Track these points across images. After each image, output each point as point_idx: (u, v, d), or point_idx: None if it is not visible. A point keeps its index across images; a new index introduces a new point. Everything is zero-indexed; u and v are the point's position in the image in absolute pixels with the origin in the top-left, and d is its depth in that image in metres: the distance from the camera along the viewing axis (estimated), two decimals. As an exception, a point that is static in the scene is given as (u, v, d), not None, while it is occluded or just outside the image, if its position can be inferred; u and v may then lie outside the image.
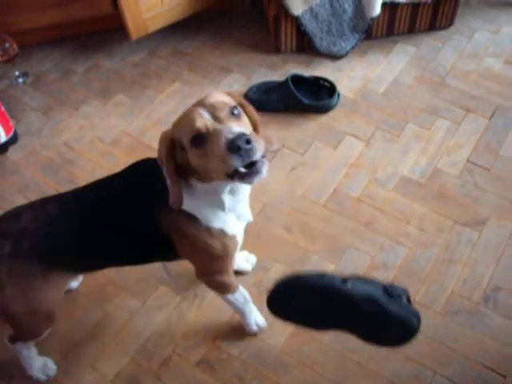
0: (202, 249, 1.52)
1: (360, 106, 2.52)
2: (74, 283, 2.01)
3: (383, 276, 1.95)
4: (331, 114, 2.49)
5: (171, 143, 1.34)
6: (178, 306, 1.96)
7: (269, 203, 2.18)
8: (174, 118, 2.36)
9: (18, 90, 2.77)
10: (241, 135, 1.20)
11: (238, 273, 1.98)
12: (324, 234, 2.09)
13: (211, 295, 1.94)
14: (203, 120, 1.26)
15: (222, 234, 1.51)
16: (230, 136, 1.21)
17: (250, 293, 1.83)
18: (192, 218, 1.46)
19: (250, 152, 1.21)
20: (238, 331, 1.88)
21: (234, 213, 1.50)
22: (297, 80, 2.49)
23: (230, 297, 1.75)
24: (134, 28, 2.66)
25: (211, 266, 1.63)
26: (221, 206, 1.45)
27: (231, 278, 1.70)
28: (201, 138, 1.26)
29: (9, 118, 2.47)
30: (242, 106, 1.38)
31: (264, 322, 1.89)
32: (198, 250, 1.53)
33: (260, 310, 1.85)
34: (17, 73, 2.81)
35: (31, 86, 2.80)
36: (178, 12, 2.74)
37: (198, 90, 2.63)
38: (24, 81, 2.82)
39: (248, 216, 1.58)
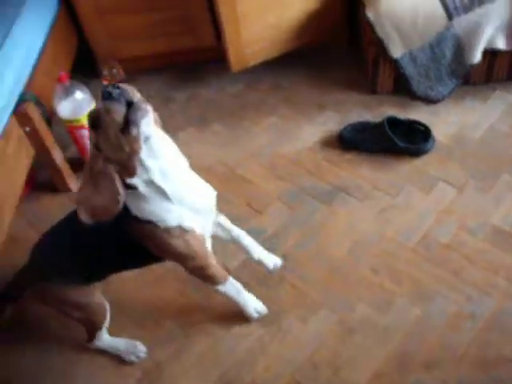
0: (169, 250, 1.63)
1: (454, 152, 2.50)
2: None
3: (470, 327, 1.92)
4: (425, 158, 2.48)
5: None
6: (262, 337, 1.99)
7: (358, 243, 2.19)
8: (268, 150, 2.49)
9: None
10: (112, 84, 1.34)
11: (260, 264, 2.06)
12: (411, 278, 2.08)
13: (295, 329, 1.97)
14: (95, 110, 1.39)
15: (181, 230, 1.59)
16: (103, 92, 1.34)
17: (333, 331, 1.88)
18: (150, 224, 1.55)
19: (123, 92, 1.35)
20: (319, 367, 1.89)
21: (182, 204, 1.56)
22: (392, 122, 2.51)
23: (221, 287, 1.87)
24: (235, 61, 2.74)
25: (187, 263, 1.72)
26: (165, 195, 1.51)
27: (214, 270, 1.80)
28: (95, 121, 1.37)
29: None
30: None
31: (264, 308, 2.00)
32: (166, 252, 1.65)
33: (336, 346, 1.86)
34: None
35: (133, 110, 2.91)
36: (278, 48, 2.81)
37: (293, 126, 2.68)
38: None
39: (202, 206, 1.65)
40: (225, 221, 1.99)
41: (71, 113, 2.45)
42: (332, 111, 2.73)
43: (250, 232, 2.20)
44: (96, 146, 1.42)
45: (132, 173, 1.45)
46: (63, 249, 1.76)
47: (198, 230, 1.66)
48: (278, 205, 2.37)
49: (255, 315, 1.99)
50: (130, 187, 1.48)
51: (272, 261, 2.10)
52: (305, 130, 2.65)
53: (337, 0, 2.76)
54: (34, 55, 2.53)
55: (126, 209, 1.52)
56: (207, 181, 2.42)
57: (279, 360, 1.93)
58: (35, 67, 2.51)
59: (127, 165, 1.43)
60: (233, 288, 1.92)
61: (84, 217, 1.46)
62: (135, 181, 1.47)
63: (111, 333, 2.01)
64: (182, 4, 2.79)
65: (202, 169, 2.50)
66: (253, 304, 1.99)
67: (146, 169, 1.46)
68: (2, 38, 2.38)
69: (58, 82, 2.34)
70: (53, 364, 2.04)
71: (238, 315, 2.03)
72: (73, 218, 1.71)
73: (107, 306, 1.92)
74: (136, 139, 1.39)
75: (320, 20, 2.80)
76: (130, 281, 2.10)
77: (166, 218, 1.57)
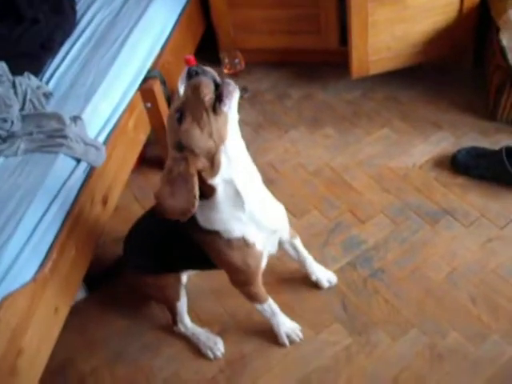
0: (226, 262, 1.66)
1: None
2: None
3: None
4: (539, 193, 2.40)
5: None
6: (349, 347, 1.98)
7: (458, 270, 2.14)
8: (377, 161, 2.48)
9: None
10: (196, 66, 1.38)
11: (314, 284, 2.12)
12: (510, 316, 2.01)
13: (384, 345, 1.96)
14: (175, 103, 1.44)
15: (243, 243, 1.61)
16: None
17: (421, 354, 1.88)
18: (214, 234, 1.59)
19: (206, 72, 1.37)
20: (403, 389, 1.87)
21: (251, 217, 1.58)
22: (509, 152, 2.43)
23: (258, 306, 1.89)
24: (357, 68, 2.73)
25: (237, 277, 1.76)
26: (239, 201, 1.52)
27: (258, 290, 1.83)
28: (180, 114, 1.40)
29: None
30: None
31: (298, 334, 2.00)
32: (223, 262, 1.69)
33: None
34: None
35: (247, 101, 2.96)
36: (401, 60, 2.78)
37: (406, 140, 2.64)
38: (242, 95, 2.95)
39: (269, 225, 1.67)
40: (299, 243, 2.03)
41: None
42: (447, 132, 2.67)
43: (349, 240, 2.21)
44: (178, 146, 1.43)
45: (217, 167, 1.45)
46: (143, 239, 1.91)
47: (259, 247, 1.68)
48: (381, 217, 2.34)
49: (285, 340, 1.99)
50: (203, 196, 1.48)
51: (326, 278, 2.13)
52: (417, 146, 2.61)
53: (467, 19, 2.70)
54: (165, 35, 2.62)
55: (193, 218, 1.54)
56: (313, 183, 2.46)
57: (363, 374, 1.92)
58: (164, 47, 2.58)
59: (213, 157, 1.44)
60: (269, 310, 1.93)
61: (159, 213, 1.49)
62: (217, 180, 1.48)
63: (204, 321, 2.08)
64: (313, 4, 2.80)
65: (309, 170, 2.56)
66: (284, 328, 1.99)
67: (230, 161, 1.46)
68: (139, 15, 2.46)
69: (186, 65, 2.39)
70: (141, 336, 2.11)
71: (328, 321, 2.03)
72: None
73: (181, 288, 1.98)
74: (225, 121, 1.41)
75: (447, 38, 2.74)
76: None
77: (232, 228, 1.59)
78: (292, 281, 2.17)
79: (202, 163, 1.43)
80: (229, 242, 1.61)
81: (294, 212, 2.40)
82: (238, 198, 1.52)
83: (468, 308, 2.04)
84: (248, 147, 2.61)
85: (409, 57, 2.78)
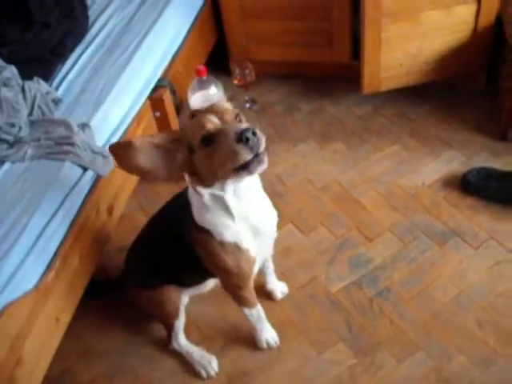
0: (218, 264, 1.63)
1: None
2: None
3: None
4: (549, 217, 2.37)
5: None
6: (353, 367, 1.95)
7: (465, 292, 2.11)
8: (386, 179, 2.45)
9: (243, 115, 2.90)
10: (248, 128, 1.30)
11: (267, 295, 2.13)
12: (518, 342, 1.98)
13: (389, 366, 1.92)
14: (212, 122, 1.36)
15: (236, 248, 1.59)
16: (240, 128, 1.30)
17: (427, 378, 1.86)
18: (208, 233, 1.57)
19: (257, 143, 1.31)
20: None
21: (245, 223, 1.57)
22: (520, 175, 2.41)
23: (246, 311, 1.87)
24: (368, 83, 2.71)
25: (229, 280, 1.73)
26: (228, 212, 1.52)
27: (249, 294, 1.81)
28: (210, 137, 1.35)
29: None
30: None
31: (277, 341, 2.00)
32: (215, 264, 1.65)
33: None
34: (246, 98, 2.96)
35: (256, 113, 2.95)
36: (413, 77, 2.76)
37: (416, 158, 2.62)
38: (251, 107, 2.97)
39: (264, 229, 1.64)
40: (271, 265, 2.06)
41: (201, 106, 2.48)
42: (458, 151, 2.64)
43: (356, 258, 2.18)
44: (190, 147, 1.41)
45: (207, 187, 1.47)
46: (143, 253, 1.91)
47: (253, 253, 1.66)
48: (388, 236, 2.31)
49: (264, 345, 2.00)
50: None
51: (280, 290, 2.13)
52: (427, 165, 2.59)
53: (481, 39, 2.68)
54: (177, 44, 2.61)
55: (190, 212, 1.56)
56: (321, 198, 2.43)
57: (367, 395, 1.89)
58: (175, 56, 2.57)
59: (207, 179, 1.45)
60: (256, 315, 1.91)
61: (120, 160, 1.44)
62: (203, 191, 1.48)
63: (206, 336, 2.07)
64: (326, 18, 2.78)
65: (317, 185, 2.53)
66: (266, 334, 1.99)
67: (222, 189, 1.47)
68: (152, 23, 2.45)
69: (196, 75, 2.37)
70: (141, 348, 2.08)
71: (332, 340, 2.00)
72: (151, 226, 1.89)
73: (181, 306, 1.95)
74: (239, 177, 1.41)
75: (460, 56, 2.72)
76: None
77: (224, 233, 1.57)
78: (296, 297, 2.14)
79: (195, 170, 1.44)
80: (221, 244, 1.59)
81: (301, 228, 2.38)
82: (226, 210, 1.52)
83: (475, 332, 2.01)
84: (256, 159, 2.64)
85: (421, 74, 2.76)
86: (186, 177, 1.50)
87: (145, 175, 1.45)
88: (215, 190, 1.48)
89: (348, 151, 2.70)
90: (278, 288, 2.14)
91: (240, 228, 1.58)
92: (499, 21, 2.62)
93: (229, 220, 1.55)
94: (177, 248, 1.71)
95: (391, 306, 2.09)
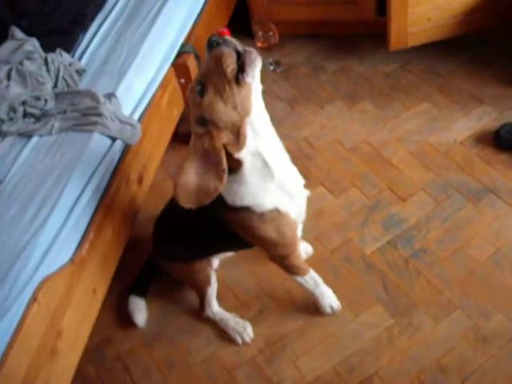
0: (260, 237, 1.61)
1: None
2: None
3: None
4: None
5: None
6: (390, 329, 1.94)
7: (502, 249, 2.08)
8: (417, 137, 2.40)
9: (268, 77, 2.87)
10: (214, 35, 1.35)
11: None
12: (558, 297, 1.95)
13: (427, 327, 1.91)
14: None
15: (276, 214, 1.56)
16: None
17: (465, 337, 1.85)
18: (246, 210, 1.54)
19: (227, 42, 1.33)
20: (446, 372, 1.82)
21: (281, 185, 1.54)
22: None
23: (300, 279, 1.85)
24: (395, 39, 2.64)
25: (275, 250, 1.71)
26: (268, 171, 1.48)
27: (298, 262, 1.79)
28: (202, 84, 1.36)
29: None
30: None
31: (339, 304, 1.97)
32: (258, 238, 1.63)
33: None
34: (270, 60, 2.91)
35: (281, 75, 2.90)
36: (442, 32, 2.68)
37: (446, 115, 2.56)
38: (275, 69, 2.92)
39: (297, 191, 1.63)
40: None
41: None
42: (489, 106, 2.58)
43: (390, 218, 2.16)
44: (201, 121, 1.39)
45: (243, 140, 1.42)
46: (171, 226, 1.89)
47: (293, 215, 1.63)
48: (422, 195, 2.28)
49: (328, 310, 1.96)
50: (230, 171, 1.44)
51: (304, 250, 2.10)
52: (458, 121, 2.53)
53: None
54: (198, 8, 2.56)
55: (219, 199, 1.50)
56: (351, 159, 2.40)
57: (405, 356, 1.88)
58: (197, 20, 2.52)
59: (238, 129, 1.40)
60: (311, 281, 1.89)
61: (183, 200, 1.44)
62: (243, 153, 1.44)
63: (242, 302, 2.07)
64: (348, -27, 2.71)
65: (346, 146, 2.49)
66: (328, 299, 1.96)
67: (255, 133, 1.42)
68: (172, -12, 2.40)
69: (220, 38, 2.32)
70: (178, 317, 2.09)
71: (368, 302, 1.99)
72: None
73: (212, 273, 1.95)
74: (248, 91, 1.36)
75: (489, 8, 2.63)
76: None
77: (263, 201, 1.54)
78: (331, 260, 2.13)
79: (227, 137, 1.39)
80: (261, 215, 1.56)
81: (331, 189, 2.35)
82: (266, 168, 1.49)
83: (513, 289, 1.98)
84: (283, 122, 2.61)
85: (449, 28, 2.68)
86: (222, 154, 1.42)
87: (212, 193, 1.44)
88: (251, 145, 1.44)
89: (376, 110, 2.65)
90: (303, 249, 2.11)
91: (277, 192, 1.56)
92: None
93: (269, 183, 1.52)
94: (209, 226, 1.69)
95: (427, 266, 2.07)
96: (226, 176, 1.40)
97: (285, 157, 1.59)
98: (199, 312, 2.03)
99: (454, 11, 2.61)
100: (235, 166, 1.46)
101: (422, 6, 2.54)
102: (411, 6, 2.52)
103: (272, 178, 1.51)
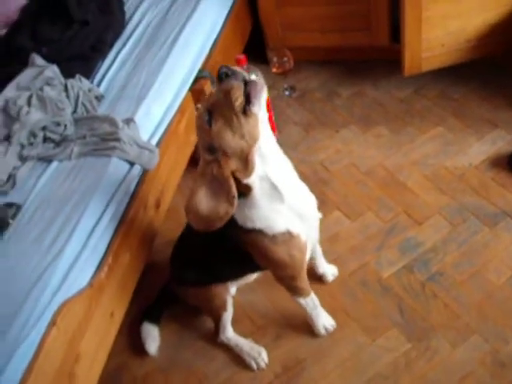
0: (271, 258, 1.63)
1: None
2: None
3: None
4: None
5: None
6: (408, 353, 1.93)
7: (522, 273, 2.07)
8: (432, 161, 2.41)
9: (283, 102, 2.91)
10: (223, 66, 1.38)
11: (318, 279, 2.10)
12: None
13: (444, 351, 1.90)
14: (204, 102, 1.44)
15: (287, 236, 1.58)
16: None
17: (483, 361, 1.84)
18: (258, 232, 1.56)
19: (236, 74, 1.35)
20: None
21: (292, 207, 1.55)
22: None
23: (301, 300, 1.87)
24: (410, 65, 2.66)
25: (283, 272, 1.74)
26: (278, 194, 1.50)
27: (303, 284, 1.81)
28: (210, 112, 1.39)
29: (276, 127, 2.59)
30: None
31: (333, 324, 1.99)
32: (269, 260, 1.65)
33: None
34: (285, 85, 2.94)
35: (296, 100, 2.92)
36: (455, 56, 2.70)
37: (461, 139, 2.56)
38: (290, 94, 2.95)
39: (308, 213, 1.65)
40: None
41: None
42: (503, 130, 2.58)
43: (406, 242, 2.16)
44: (210, 148, 1.42)
45: (251, 167, 1.44)
46: (188, 251, 1.91)
47: (303, 237, 1.64)
48: (438, 219, 2.28)
49: (323, 331, 1.98)
50: (240, 195, 1.47)
51: (331, 272, 2.12)
52: (473, 145, 2.53)
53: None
54: (214, 34, 2.60)
55: (232, 220, 1.52)
56: (366, 183, 2.41)
57: (423, 381, 1.86)
58: (213, 46, 2.56)
59: (246, 157, 1.42)
60: (311, 302, 1.90)
61: (194, 223, 1.49)
62: (252, 179, 1.46)
63: (259, 327, 2.07)
64: (363, 0, 2.73)
65: (362, 170, 2.50)
66: (322, 320, 1.97)
67: (263, 159, 1.44)
68: (188, 15, 2.45)
69: (236, 64, 2.36)
70: (195, 342, 2.09)
71: (385, 327, 1.98)
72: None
73: (228, 299, 1.94)
74: (256, 121, 1.39)
75: (502, 33, 2.65)
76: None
77: (275, 223, 1.56)
78: (347, 284, 2.12)
79: (235, 164, 1.42)
80: (273, 237, 1.58)
81: (348, 214, 2.35)
82: (275, 191, 1.51)
83: (531, 314, 1.97)
84: (298, 147, 2.63)
85: (463, 53, 2.70)
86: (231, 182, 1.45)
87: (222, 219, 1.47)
88: (259, 170, 1.46)
89: (391, 135, 2.66)
90: (329, 271, 2.13)
91: (289, 214, 1.57)
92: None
93: (279, 205, 1.54)
94: (223, 248, 1.71)
95: (444, 290, 2.06)
96: (236, 201, 1.43)
97: (295, 179, 1.61)
98: (214, 337, 2.03)
99: (468, 36, 2.63)
100: (245, 190, 1.49)
101: (435, 32, 2.57)
102: (425, 32, 2.54)
103: (282, 201, 1.53)
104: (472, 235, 2.20)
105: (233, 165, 1.42)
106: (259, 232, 1.57)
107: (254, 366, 1.96)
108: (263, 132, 1.43)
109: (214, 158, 1.42)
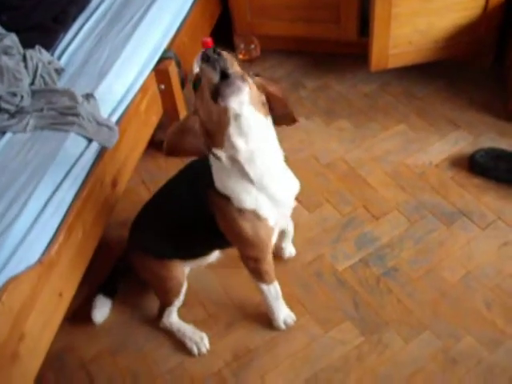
0: (236, 231, 1.61)
1: None
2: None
3: None
4: (559, 198, 2.34)
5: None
6: (360, 347, 1.92)
7: (473, 273, 2.08)
8: (393, 157, 2.41)
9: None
10: (213, 49, 1.32)
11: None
12: (525, 322, 1.96)
13: (396, 346, 1.90)
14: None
15: (255, 216, 1.57)
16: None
17: (435, 357, 1.85)
18: (227, 199, 1.56)
19: (219, 61, 1.30)
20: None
21: (264, 192, 1.54)
22: (529, 155, 2.38)
23: (264, 287, 1.84)
24: (376, 60, 2.66)
25: (247, 251, 1.72)
26: (247, 177, 1.49)
27: (268, 268, 1.78)
28: (198, 81, 1.39)
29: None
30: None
31: (293, 318, 1.97)
32: (233, 232, 1.63)
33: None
34: (251, 73, 2.90)
35: (261, 88, 2.88)
36: (422, 55, 2.71)
37: (423, 138, 2.57)
38: (254, 82, 2.90)
39: (283, 199, 1.63)
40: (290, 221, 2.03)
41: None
42: (464, 130, 2.60)
43: (363, 236, 2.15)
44: (195, 109, 1.44)
45: (218, 145, 1.44)
46: (153, 222, 1.87)
47: (271, 222, 1.63)
48: (395, 215, 2.28)
49: (282, 325, 1.96)
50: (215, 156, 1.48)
51: (289, 250, 2.14)
52: (434, 144, 2.55)
53: (491, 17, 2.62)
54: (182, 15, 2.55)
55: (210, 178, 1.55)
56: (326, 176, 2.39)
57: (374, 375, 1.86)
58: (180, 27, 2.51)
59: (215, 136, 1.42)
60: (274, 292, 1.88)
61: (166, 143, 1.51)
62: (220, 154, 1.46)
63: (211, 314, 2.04)
64: (333, -8, 2.72)
65: (322, 162, 2.49)
66: (284, 314, 1.96)
67: (232, 146, 1.43)
68: (157, -6, 2.39)
69: (202, 47, 2.31)
70: (145, 325, 2.05)
71: (338, 319, 1.98)
72: (164, 191, 1.84)
73: (184, 284, 1.93)
74: (224, 112, 1.36)
75: (470, 35, 2.67)
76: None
77: (243, 199, 1.55)
78: (302, 275, 2.11)
79: (206, 129, 1.44)
80: (240, 211, 1.57)
81: (305, 204, 2.34)
82: (243, 173, 1.49)
83: (482, 312, 1.98)
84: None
85: (430, 52, 2.71)
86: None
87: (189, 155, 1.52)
88: (229, 151, 1.44)
89: (354, 129, 2.66)
90: (289, 249, 2.13)
91: (259, 196, 1.56)
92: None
93: (249, 185, 1.53)
94: (192, 211, 1.69)
95: (399, 286, 2.06)
96: (203, 152, 1.48)
97: (277, 166, 1.58)
98: (156, 321, 2.00)
99: (436, 36, 2.64)
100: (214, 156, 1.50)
101: (404, 29, 2.57)
102: (394, 29, 2.55)
103: (251, 182, 1.52)
104: (428, 233, 2.21)
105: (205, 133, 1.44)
106: (229, 200, 1.56)
107: (196, 350, 1.94)
108: (235, 123, 1.39)
109: (196, 116, 1.46)
